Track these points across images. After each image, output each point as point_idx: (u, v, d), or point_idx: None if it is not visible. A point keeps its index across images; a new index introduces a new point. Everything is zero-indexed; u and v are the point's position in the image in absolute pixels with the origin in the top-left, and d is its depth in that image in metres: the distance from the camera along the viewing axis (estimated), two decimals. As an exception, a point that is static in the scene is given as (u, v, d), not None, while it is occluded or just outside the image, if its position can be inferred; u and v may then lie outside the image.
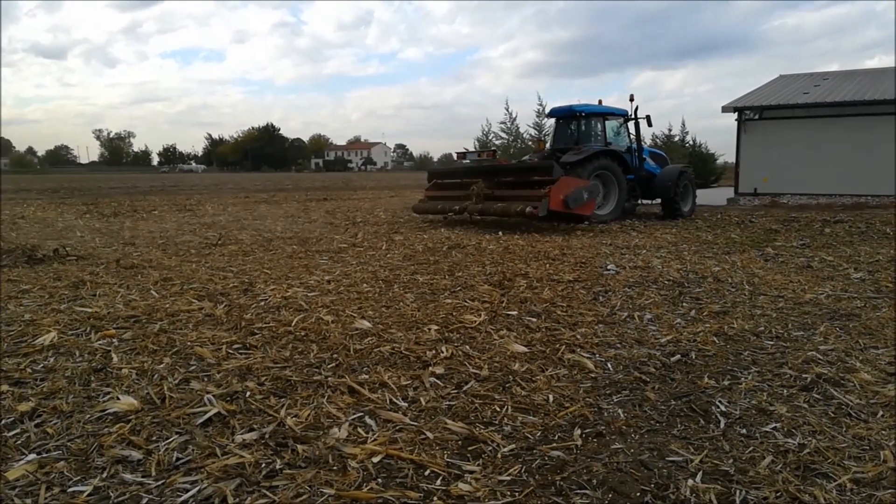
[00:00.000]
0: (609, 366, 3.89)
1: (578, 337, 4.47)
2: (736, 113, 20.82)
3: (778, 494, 2.40)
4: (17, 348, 4.04)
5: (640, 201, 15.05)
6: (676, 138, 33.93)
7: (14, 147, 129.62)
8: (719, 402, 3.31)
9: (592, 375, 3.73)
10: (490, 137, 33.11)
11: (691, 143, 35.05)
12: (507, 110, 32.35)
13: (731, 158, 23.24)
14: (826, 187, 19.32)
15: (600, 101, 14.62)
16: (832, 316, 5.09)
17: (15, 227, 11.68)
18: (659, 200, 14.70)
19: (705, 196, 23.42)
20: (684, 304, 5.55)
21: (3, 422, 2.96)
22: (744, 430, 2.97)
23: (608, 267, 7.30)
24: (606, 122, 14.08)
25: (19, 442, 2.77)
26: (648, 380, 3.66)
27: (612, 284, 6.31)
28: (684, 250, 8.96)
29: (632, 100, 14.16)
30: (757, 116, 20.96)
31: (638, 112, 14.05)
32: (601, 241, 10.06)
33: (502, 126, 32.65)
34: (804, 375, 3.68)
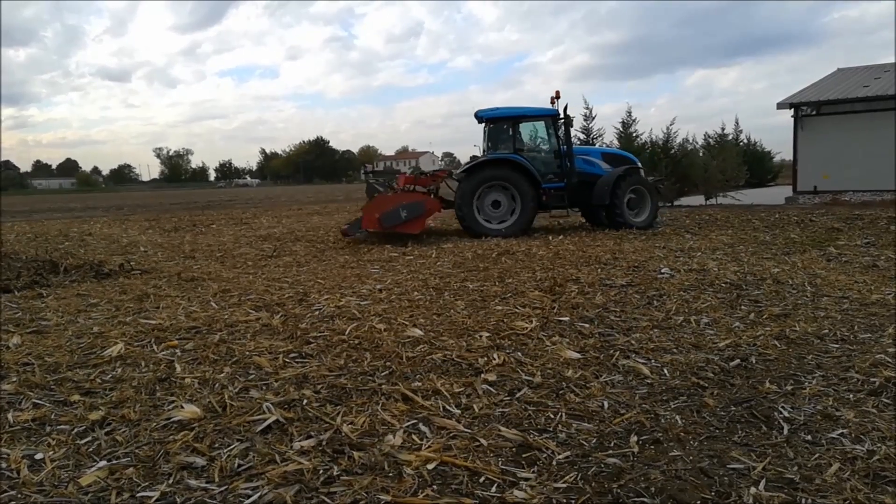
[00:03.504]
0: (665, 371, 3.82)
1: (633, 342, 4.41)
2: (792, 109, 20.21)
3: (846, 503, 2.31)
4: (87, 359, 4.24)
5: (569, 208, 12.99)
6: (730, 137, 33.01)
7: (80, 167, 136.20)
8: (782, 407, 3.22)
9: (648, 381, 3.66)
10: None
11: (745, 141, 34.14)
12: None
13: (789, 156, 22.59)
14: (890, 183, 18.50)
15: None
16: (902, 317, 4.87)
17: (83, 244, 12.21)
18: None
19: (762, 195, 22.79)
20: (743, 307, 5.40)
21: (75, 430, 3.11)
22: (809, 437, 2.88)
23: (662, 270, 7.16)
24: (520, 125, 12.62)
25: (91, 449, 2.90)
26: (707, 385, 3.58)
27: (667, 288, 6.18)
28: (741, 252, 8.71)
29: (557, 97, 12.44)
30: (814, 112, 20.29)
31: (568, 110, 12.26)
32: (654, 244, 9.87)
33: None
34: (872, 379, 3.54)
